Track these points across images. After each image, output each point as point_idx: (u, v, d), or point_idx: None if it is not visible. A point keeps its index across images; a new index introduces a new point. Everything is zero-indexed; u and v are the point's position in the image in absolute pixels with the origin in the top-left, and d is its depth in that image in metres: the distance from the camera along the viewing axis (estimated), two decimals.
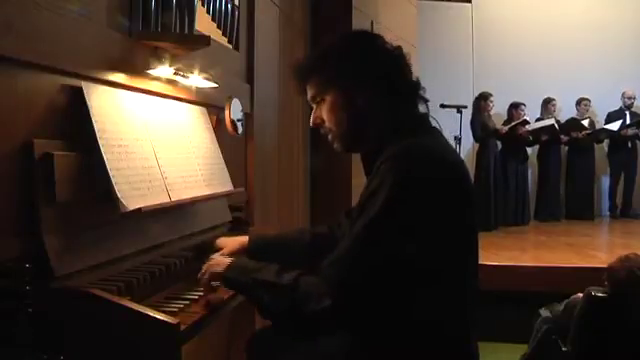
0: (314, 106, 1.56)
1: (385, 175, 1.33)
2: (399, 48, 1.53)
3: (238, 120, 2.36)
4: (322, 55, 1.55)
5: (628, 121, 7.37)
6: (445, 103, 5.18)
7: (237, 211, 2.39)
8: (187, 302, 1.56)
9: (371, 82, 1.47)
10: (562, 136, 7.33)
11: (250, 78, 2.79)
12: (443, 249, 1.36)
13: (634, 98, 7.50)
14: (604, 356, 2.83)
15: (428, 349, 1.38)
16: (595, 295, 2.88)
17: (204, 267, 1.60)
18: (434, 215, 1.33)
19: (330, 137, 1.55)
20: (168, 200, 1.71)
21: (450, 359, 1.42)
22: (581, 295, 3.00)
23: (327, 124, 1.53)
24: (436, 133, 1.52)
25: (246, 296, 1.54)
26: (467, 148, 6.55)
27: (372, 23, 4.72)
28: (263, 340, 1.82)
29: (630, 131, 7.33)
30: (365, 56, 1.49)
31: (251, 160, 2.74)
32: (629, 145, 7.51)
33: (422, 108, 1.55)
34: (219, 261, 1.58)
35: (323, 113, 1.53)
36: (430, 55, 6.88)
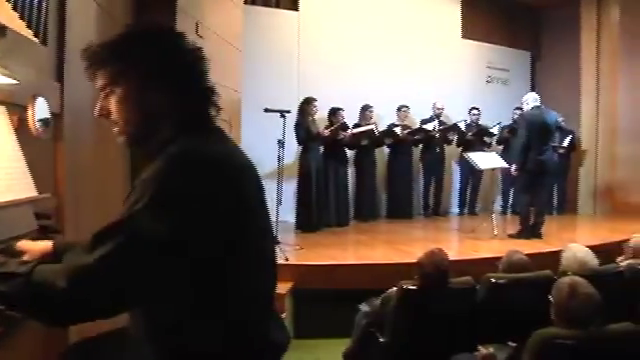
0: (101, 95, 1.50)
1: (157, 173, 1.32)
2: (200, 50, 1.52)
3: (44, 121, 2.18)
4: (118, 45, 1.48)
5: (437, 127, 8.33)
6: (269, 107, 5.23)
7: (45, 218, 2.19)
8: None
9: (164, 81, 1.46)
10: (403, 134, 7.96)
11: (60, 75, 2.58)
12: (213, 245, 1.34)
13: (443, 109, 8.55)
14: (414, 343, 3.06)
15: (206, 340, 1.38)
16: (407, 288, 3.11)
17: None
18: (200, 207, 1.31)
19: (115, 130, 1.51)
20: None
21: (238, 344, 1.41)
22: (396, 289, 3.21)
23: (114, 116, 1.49)
24: (223, 135, 1.54)
25: None
26: (291, 152, 6.71)
27: (197, 25, 4.65)
28: (77, 353, 1.72)
29: (439, 135, 8.27)
30: (163, 54, 1.46)
31: (61, 164, 2.53)
32: (437, 150, 8.48)
33: (214, 113, 1.54)
34: None
35: (111, 104, 1.49)
36: (256, 59, 6.93)
